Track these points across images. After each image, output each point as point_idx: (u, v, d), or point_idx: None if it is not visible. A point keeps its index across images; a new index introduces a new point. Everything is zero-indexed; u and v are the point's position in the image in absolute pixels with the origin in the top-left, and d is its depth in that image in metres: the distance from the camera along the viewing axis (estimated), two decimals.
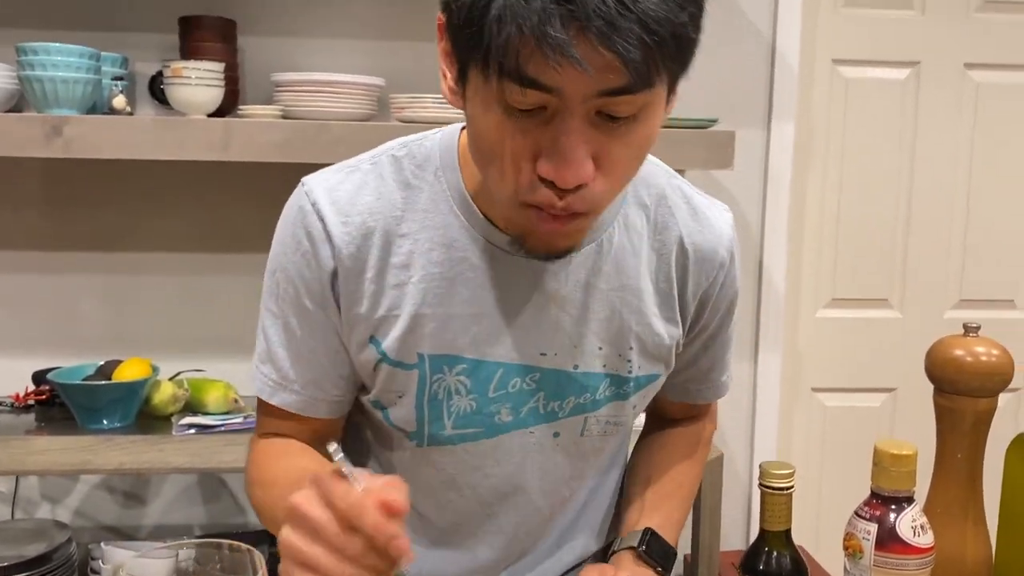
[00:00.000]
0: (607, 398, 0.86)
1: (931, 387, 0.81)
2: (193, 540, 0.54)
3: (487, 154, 0.69)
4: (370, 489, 0.60)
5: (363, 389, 0.86)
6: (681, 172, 2.04)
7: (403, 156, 0.82)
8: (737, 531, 2.19)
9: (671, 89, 0.68)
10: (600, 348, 0.84)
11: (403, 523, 0.60)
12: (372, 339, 0.81)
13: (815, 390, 2.26)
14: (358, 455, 0.94)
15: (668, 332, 0.87)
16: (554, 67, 0.59)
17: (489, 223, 0.80)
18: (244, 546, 0.54)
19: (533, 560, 0.93)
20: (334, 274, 0.80)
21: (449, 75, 0.71)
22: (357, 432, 0.93)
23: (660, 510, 0.90)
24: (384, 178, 0.81)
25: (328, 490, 0.60)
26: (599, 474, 0.94)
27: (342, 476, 0.62)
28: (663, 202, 0.85)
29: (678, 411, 1.01)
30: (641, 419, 1.02)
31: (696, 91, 2.00)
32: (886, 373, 2.25)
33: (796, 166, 2.10)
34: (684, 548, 2.12)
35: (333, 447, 0.64)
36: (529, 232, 0.74)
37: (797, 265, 2.18)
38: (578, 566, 0.96)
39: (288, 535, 0.61)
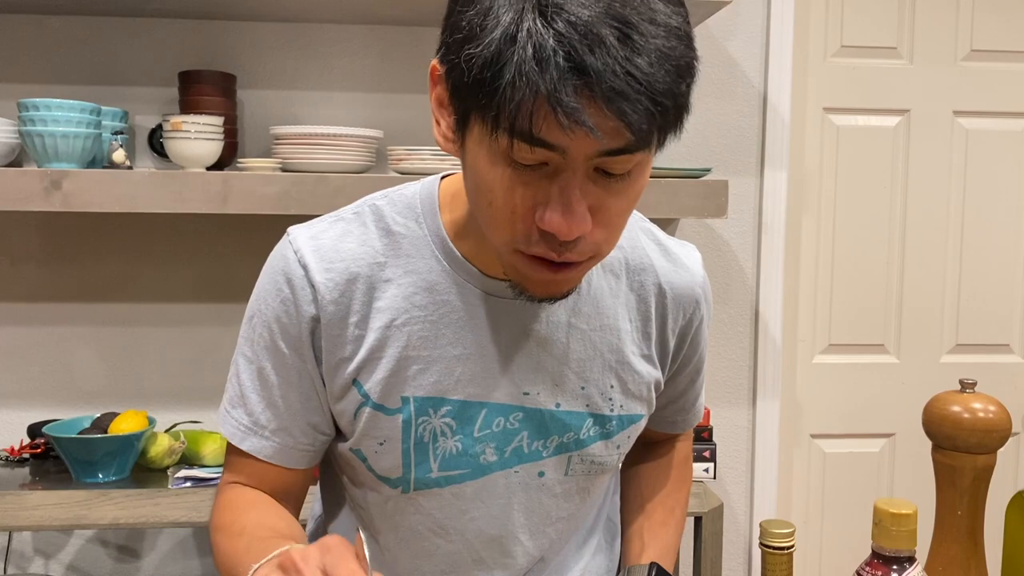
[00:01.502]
0: (591, 438, 0.87)
1: None
2: None
3: (487, 204, 0.70)
4: None
5: (340, 438, 0.87)
6: (675, 221, 2.06)
7: (384, 205, 0.84)
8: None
9: (661, 145, 0.71)
10: (582, 388, 0.86)
11: None
12: (355, 382, 0.82)
13: (814, 436, 2.26)
14: (335, 506, 0.94)
15: (647, 371, 0.89)
16: (563, 130, 0.62)
17: (470, 267, 0.82)
18: None
19: None
20: (315, 321, 0.81)
21: (443, 123, 0.73)
22: (333, 483, 0.93)
23: (658, 539, 0.93)
24: (367, 226, 0.83)
25: (335, 562, 0.61)
26: (585, 518, 0.94)
27: (358, 556, 0.62)
28: (636, 244, 0.89)
29: (658, 436, 1.04)
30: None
31: (690, 141, 2.04)
32: (884, 418, 2.25)
33: (790, 213, 2.12)
34: None
35: (362, 535, 0.64)
36: (528, 280, 0.75)
37: (793, 312, 2.19)
38: None
39: None
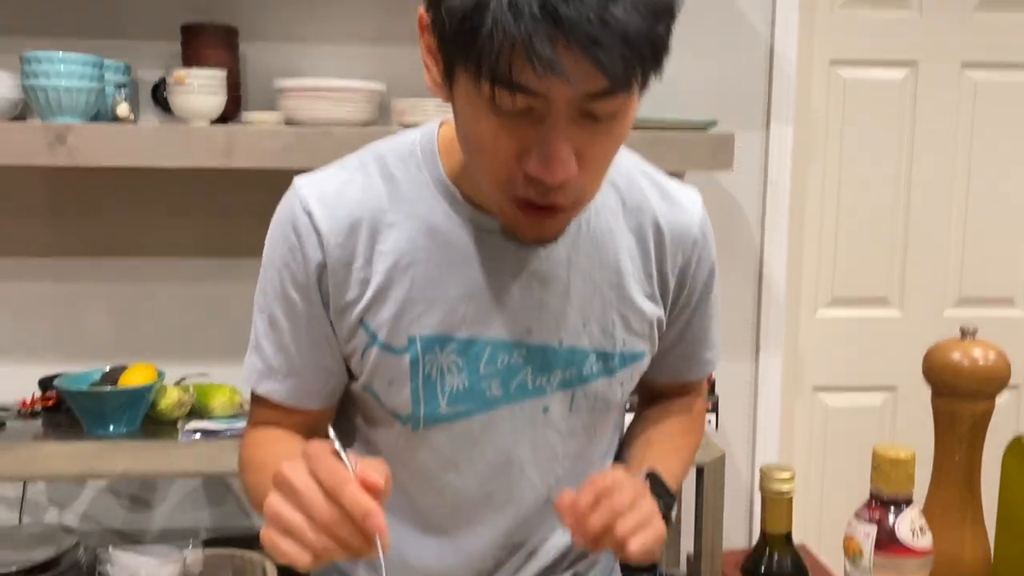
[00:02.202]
0: (594, 374, 0.88)
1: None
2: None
3: (476, 150, 0.73)
4: (357, 469, 0.64)
5: (353, 378, 0.90)
6: (682, 174, 2.06)
7: (386, 152, 0.87)
8: (739, 531, 2.21)
9: (644, 87, 0.72)
10: (584, 324, 0.88)
11: (385, 507, 0.64)
12: (362, 323, 0.85)
13: (816, 389, 2.27)
14: (348, 442, 0.96)
15: (650, 309, 0.90)
16: (541, 75, 0.64)
17: (470, 208, 0.84)
18: (256, 556, 0.55)
19: (529, 551, 0.94)
20: (322, 266, 0.84)
21: (433, 69, 0.76)
22: (348, 422, 0.96)
23: (662, 464, 0.91)
24: (369, 174, 0.86)
25: (316, 462, 0.64)
26: (592, 460, 0.95)
27: (335, 453, 0.66)
28: (633, 185, 0.90)
29: (668, 391, 1.03)
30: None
31: (695, 93, 2.03)
32: (887, 372, 2.27)
33: (795, 166, 2.12)
34: (687, 547, 2.14)
35: (332, 433, 0.68)
36: (519, 225, 0.78)
37: (797, 265, 2.20)
38: (577, 561, 0.97)
39: (272, 500, 0.65)
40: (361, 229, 0.84)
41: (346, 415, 0.95)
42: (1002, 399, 0.80)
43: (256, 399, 0.91)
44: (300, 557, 0.64)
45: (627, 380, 0.91)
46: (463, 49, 0.67)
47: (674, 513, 0.85)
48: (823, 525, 2.25)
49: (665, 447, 0.97)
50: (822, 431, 2.28)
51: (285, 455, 0.78)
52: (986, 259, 2.25)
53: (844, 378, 2.27)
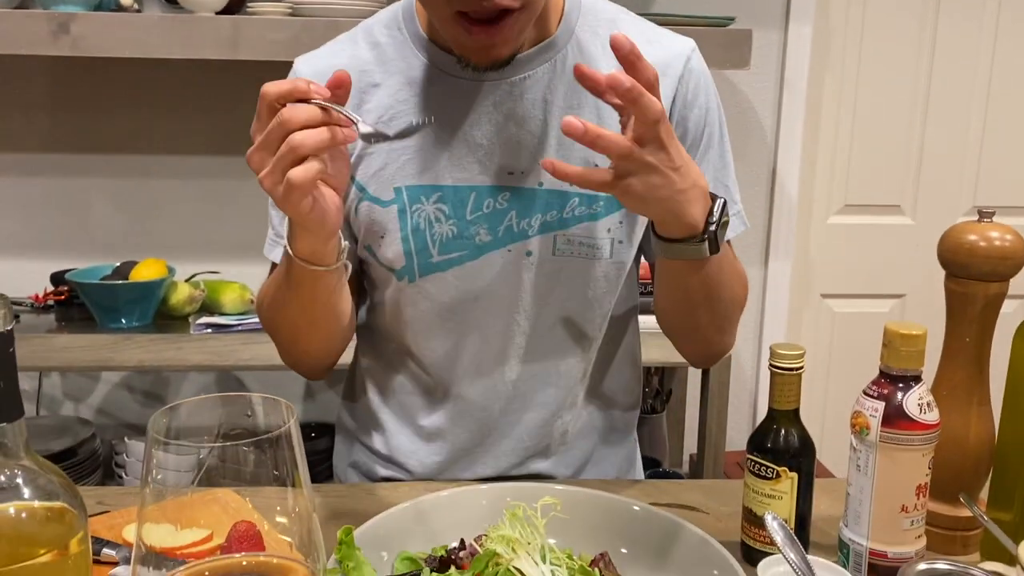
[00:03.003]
0: (576, 217, 0.88)
1: (941, 294, 0.81)
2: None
3: None
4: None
5: (355, 243, 0.93)
6: None
7: (373, 23, 0.92)
8: (742, 433, 2.24)
9: None
10: None
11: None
12: (353, 179, 0.89)
13: (824, 296, 2.28)
14: (358, 304, 1.00)
15: None
16: None
17: (447, 56, 0.87)
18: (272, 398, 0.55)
19: (524, 403, 0.95)
20: None
21: None
22: (360, 290, 0.99)
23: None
24: (357, 42, 0.91)
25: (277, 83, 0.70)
26: (582, 318, 0.94)
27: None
28: (614, 27, 0.90)
29: None
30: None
31: None
32: (896, 279, 2.26)
33: (812, 70, 2.07)
34: (690, 448, 2.18)
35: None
36: (467, 46, 0.80)
37: (811, 171, 2.17)
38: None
39: (252, 128, 0.71)
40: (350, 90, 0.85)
41: (359, 284, 0.98)
42: (1015, 276, 0.80)
43: (271, 269, 0.94)
44: (287, 181, 0.68)
45: (616, 228, 0.90)
46: None
47: (720, 231, 0.77)
48: (826, 431, 2.28)
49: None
50: (829, 337, 2.29)
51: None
52: (1001, 168, 2.22)
53: (853, 285, 2.27)
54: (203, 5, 1.68)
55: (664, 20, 1.71)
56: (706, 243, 0.76)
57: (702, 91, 0.90)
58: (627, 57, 0.68)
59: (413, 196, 0.88)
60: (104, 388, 2.10)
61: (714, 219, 0.76)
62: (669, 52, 0.89)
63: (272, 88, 0.70)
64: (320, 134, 0.68)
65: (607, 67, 0.87)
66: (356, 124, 0.71)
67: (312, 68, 0.89)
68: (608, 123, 0.87)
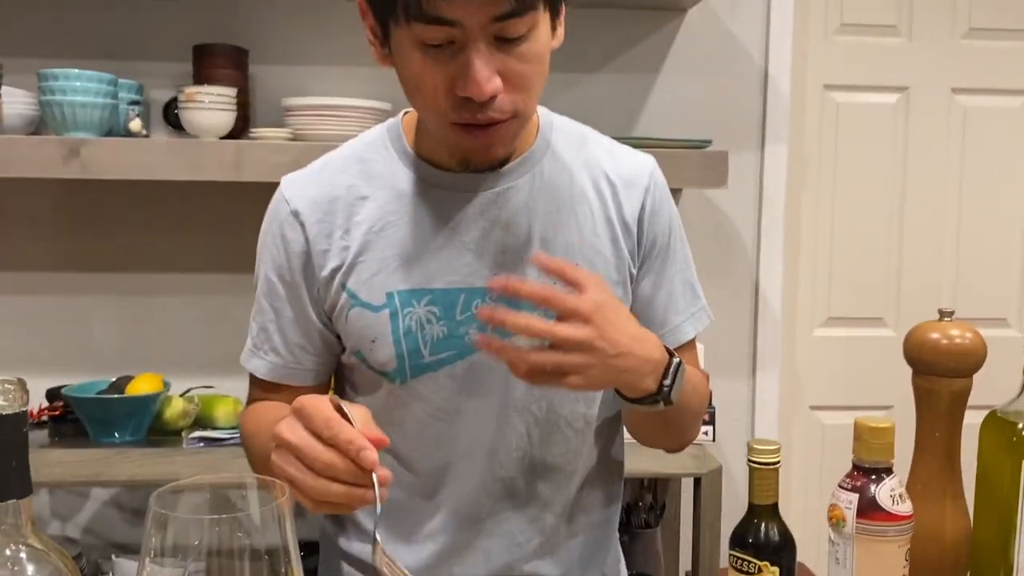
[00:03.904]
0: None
1: None
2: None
3: (416, 90, 0.83)
4: (358, 424, 0.70)
5: (342, 351, 0.97)
6: (678, 191, 2.11)
7: (357, 142, 0.98)
8: None
9: (554, 14, 0.84)
10: None
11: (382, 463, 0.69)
12: (344, 287, 0.93)
13: (813, 408, 2.30)
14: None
15: (614, 252, 0.96)
16: (448, 2, 0.75)
17: (434, 170, 0.93)
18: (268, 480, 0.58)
19: (514, 496, 0.97)
20: (305, 251, 0.93)
21: (376, 43, 0.87)
22: (341, 395, 1.01)
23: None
24: (344, 159, 0.96)
25: (309, 413, 0.69)
26: (569, 409, 0.97)
27: (335, 407, 0.71)
28: (584, 144, 0.98)
29: None
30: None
31: (691, 114, 2.09)
32: (883, 390, 2.29)
33: (790, 187, 2.16)
34: (685, 565, 2.15)
35: (331, 395, 0.74)
36: (468, 149, 0.87)
37: (793, 284, 2.23)
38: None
39: (273, 458, 0.71)
40: (338, 204, 0.93)
41: (337, 390, 1.02)
42: (977, 372, 0.83)
43: (250, 379, 0.99)
44: (303, 503, 0.68)
45: None
46: (384, 0, 0.79)
47: (673, 392, 0.83)
48: (821, 542, 2.26)
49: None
50: (820, 449, 2.30)
51: (278, 418, 0.83)
52: (979, 280, 2.28)
53: (841, 397, 2.29)
54: (208, 131, 1.77)
55: (645, 143, 1.81)
56: (660, 403, 0.84)
57: (665, 201, 1.00)
58: (553, 273, 0.78)
59: (405, 300, 0.92)
60: (92, 506, 2.08)
61: (667, 382, 0.83)
62: (634, 166, 0.99)
63: (331, 432, 0.69)
64: (344, 496, 0.69)
65: (580, 177, 0.96)
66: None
67: (298, 183, 0.95)
68: (584, 230, 0.95)
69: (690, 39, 2.09)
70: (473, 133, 0.83)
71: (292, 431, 0.70)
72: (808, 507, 2.28)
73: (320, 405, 0.70)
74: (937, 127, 2.24)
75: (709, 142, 1.89)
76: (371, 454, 0.67)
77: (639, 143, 1.82)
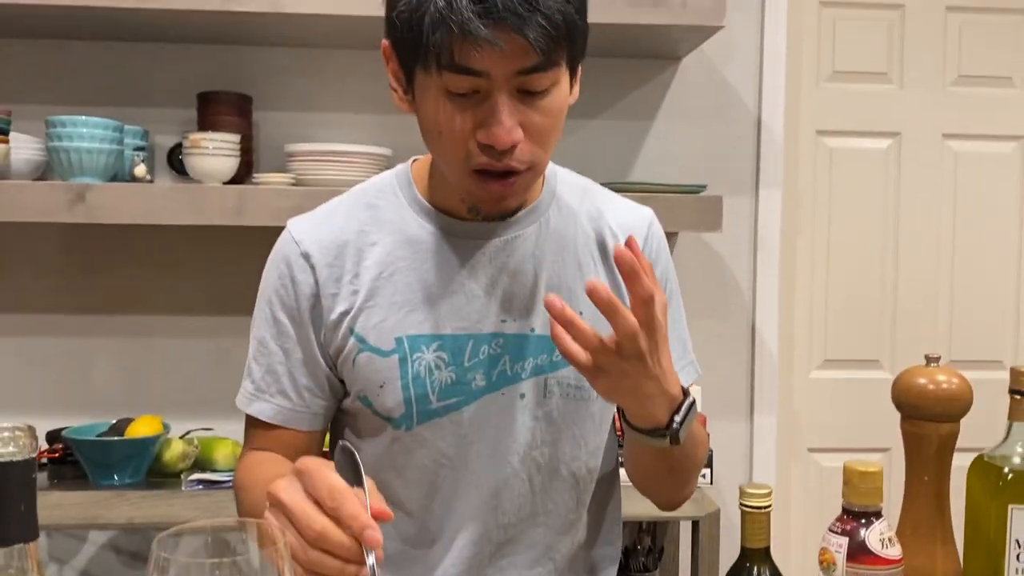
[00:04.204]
0: (563, 361, 0.93)
1: None
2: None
3: (437, 134, 0.85)
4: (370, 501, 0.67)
5: (344, 398, 0.97)
6: (674, 234, 2.13)
7: (367, 187, 1.00)
8: None
9: (572, 73, 0.87)
10: None
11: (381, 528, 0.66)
12: (352, 331, 0.93)
13: (811, 450, 2.30)
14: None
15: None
16: (479, 54, 0.77)
17: (443, 216, 0.95)
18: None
19: (513, 542, 0.97)
20: (314, 292, 0.94)
21: (399, 89, 0.89)
22: (340, 437, 1.02)
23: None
24: (353, 204, 0.98)
25: (311, 477, 0.67)
26: (570, 458, 0.98)
27: (348, 462, 0.69)
28: (587, 196, 1.01)
29: None
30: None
31: (687, 159, 2.12)
32: (880, 433, 2.29)
33: (784, 231, 2.19)
34: None
35: (347, 444, 0.72)
36: (481, 198, 0.89)
37: (789, 327, 2.25)
38: None
39: (267, 516, 0.69)
40: (348, 249, 0.94)
41: (336, 435, 1.02)
42: (964, 417, 0.85)
43: (249, 423, 0.98)
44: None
45: None
46: (414, 48, 0.81)
47: (683, 429, 0.84)
48: None
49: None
50: (818, 492, 2.30)
51: (275, 475, 0.83)
52: (974, 323, 2.30)
53: (838, 439, 2.30)
54: (212, 176, 1.80)
55: (641, 188, 1.85)
56: (667, 438, 0.84)
57: (663, 253, 1.03)
58: (627, 273, 0.77)
59: (414, 345, 0.93)
60: (90, 549, 2.08)
61: (679, 418, 0.84)
62: (634, 217, 1.02)
63: (343, 511, 0.65)
64: (337, 572, 0.66)
65: (584, 227, 0.99)
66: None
67: (308, 226, 0.96)
68: (590, 273, 0.97)
69: (685, 87, 2.13)
70: (488, 183, 0.86)
71: (289, 493, 0.67)
72: (807, 549, 2.27)
73: (324, 471, 0.67)
74: (929, 171, 2.27)
75: (704, 187, 1.92)
76: (375, 535, 0.64)
77: (635, 188, 1.86)
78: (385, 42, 0.88)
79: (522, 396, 0.95)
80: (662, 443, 0.84)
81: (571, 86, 0.88)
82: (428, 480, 0.95)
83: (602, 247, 0.99)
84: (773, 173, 2.16)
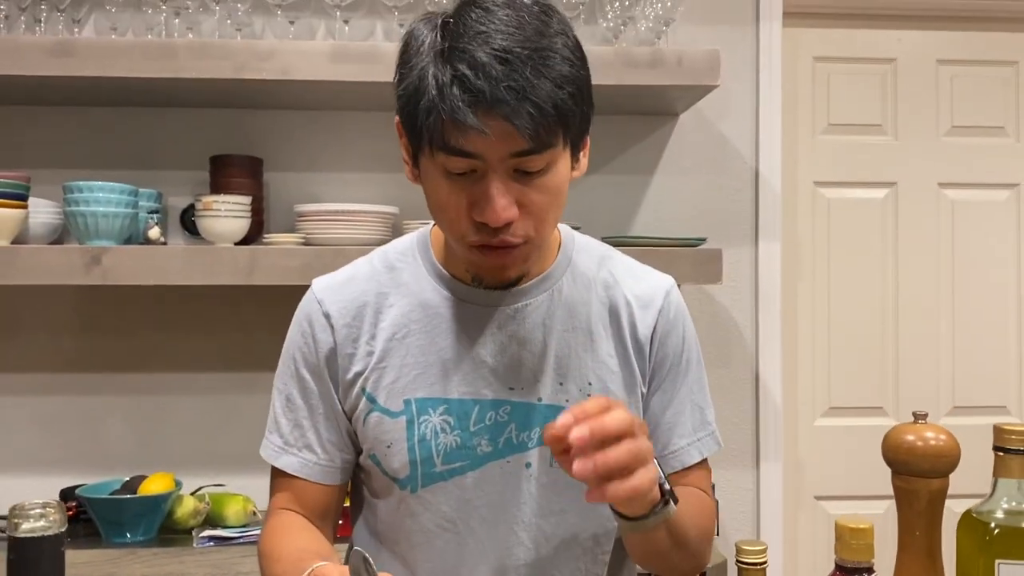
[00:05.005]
0: None
1: None
2: None
3: (439, 211, 0.89)
4: None
5: (359, 452, 1.00)
6: None
7: (387, 249, 1.05)
8: None
9: (575, 148, 0.89)
10: (561, 383, 0.98)
11: None
12: (365, 391, 0.97)
13: (818, 498, 2.31)
14: (356, 509, 1.07)
15: (624, 372, 1.00)
16: (470, 139, 0.81)
17: (458, 284, 0.98)
18: None
19: None
20: (332, 349, 0.98)
21: (409, 162, 0.93)
22: (358, 494, 1.06)
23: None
24: (374, 266, 1.02)
25: None
26: (579, 523, 0.99)
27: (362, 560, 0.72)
28: (604, 264, 1.03)
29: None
30: None
31: (686, 212, 2.17)
32: (887, 480, 2.30)
33: (785, 281, 2.23)
34: None
35: (365, 554, 0.75)
36: (482, 268, 0.93)
37: (793, 375, 2.27)
38: None
39: None
40: (367, 310, 0.98)
41: (357, 489, 1.05)
42: (953, 472, 0.87)
43: (275, 478, 1.01)
44: None
45: None
46: (412, 129, 0.85)
47: (671, 507, 0.86)
48: None
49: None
50: (826, 539, 2.30)
51: (296, 551, 0.86)
52: (975, 368, 2.32)
53: (845, 487, 2.30)
54: (223, 237, 1.85)
55: (641, 242, 1.89)
56: (669, 504, 0.86)
57: (679, 321, 1.03)
58: (558, 452, 0.79)
59: (422, 408, 0.96)
60: None
61: (658, 508, 0.85)
62: (651, 287, 1.03)
63: None
64: None
65: (598, 296, 1.00)
66: None
67: (330, 287, 0.99)
68: (600, 350, 0.98)
69: (683, 141, 2.19)
70: (487, 255, 0.89)
71: None
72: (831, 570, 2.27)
73: None
74: (925, 220, 2.31)
75: (704, 240, 1.96)
76: None
77: (636, 243, 1.90)
78: (397, 119, 0.92)
79: (528, 465, 0.96)
80: (668, 512, 0.85)
81: (576, 159, 0.91)
82: (432, 544, 0.97)
83: (614, 318, 1.00)
84: (772, 224, 2.20)
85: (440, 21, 0.85)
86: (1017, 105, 2.33)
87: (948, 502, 0.89)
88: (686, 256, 1.89)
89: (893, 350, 2.31)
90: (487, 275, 0.94)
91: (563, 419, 0.77)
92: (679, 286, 2.07)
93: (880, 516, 2.30)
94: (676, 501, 0.88)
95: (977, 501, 0.87)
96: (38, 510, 0.49)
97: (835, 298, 2.30)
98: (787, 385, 2.25)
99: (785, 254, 2.23)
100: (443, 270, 0.99)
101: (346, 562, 0.86)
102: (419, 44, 0.85)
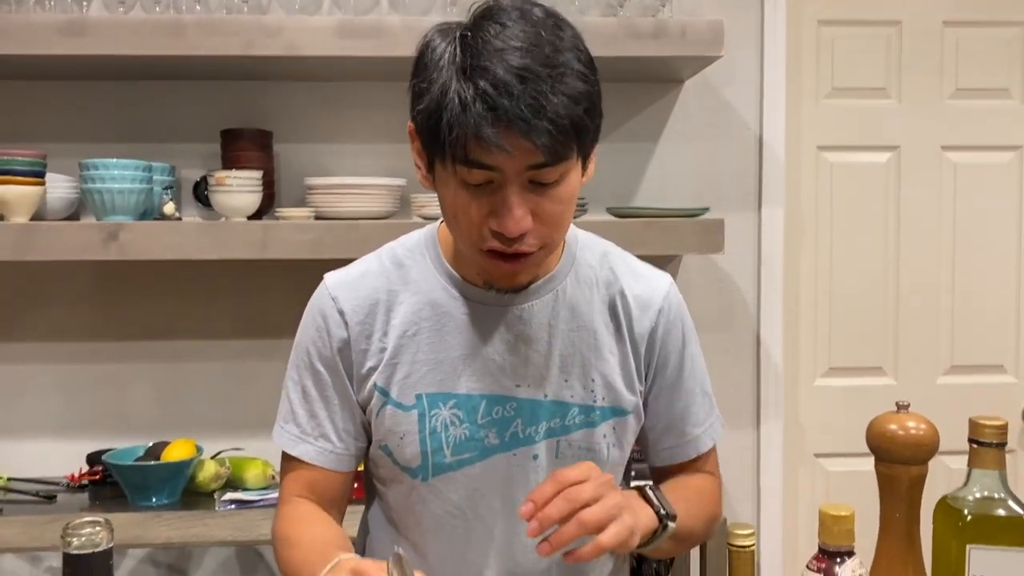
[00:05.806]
0: (576, 425, 1.03)
1: None
2: None
3: (454, 218, 0.93)
4: None
5: (370, 443, 1.05)
6: (678, 257, 2.20)
7: (396, 246, 1.08)
8: None
9: (585, 158, 0.93)
10: (566, 380, 1.03)
11: None
12: (378, 386, 1.02)
13: (817, 456, 2.38)
14: (369, 494, 1.13)
15: (626, 370, 1.05)
16: (490, 153, 0.84)
17: (465, 283, 1.02)
18: None
19: None
20: (345, 342, 1.02)
21: (422, 167, 0.96)
22: (370, 484, 1.12)
23: (673, 494, 1.02)
24: (383, 263, 1.05)
25: None
26: None
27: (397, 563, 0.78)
28: (605, 262, 1.08)
29: (677, 472, 1.14)
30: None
31: (690, 180, 2.20)
32: None
33: (787, 246, 2.26)
34: None
35: (400, 550, 0.81)
36: (494, 274, 0.97)
37: (794, 337, 2.32)
38: None
39: None
40: (379, 308, 1.02)
41: (369, 477, 1.11)
42: (931, 459, 0.93)
43: (289, 466, 1.06)
44: None
45: (610, 434, 1.04)
46: (432, 142, 0.88)
47: (670, 527, 0.95)
48: None
49: (671, 489, 1.05)
50: (825, 495, 2.37)
51: (313, 539, 0.92)
52: (975, 328, 2.36)
53: (844, 444, 2.37)
54: (236, 211, 1.89)
55: (644, 213, 1.93)
56: (668, 527, 0.94)
57: (679, 320, 1.09)
58: (533, 515, 0.86)
59: (432, 402, 1.01)
60: (129, 563, 2.19)
61: (655, 505, 0.94)
62: (650, 287, 1.08)
63: None
64: None
65: (599, 296, 1.05)
66: None
67: (343, 284, 1.03)
68: (602, 348, 1.03)
69: (687, 109, 2.20)
70: (498, 262, 0.93)
71: None
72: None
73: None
74: (928, 183, 2.33)
75: (706, 210, 1.99)
76: None
77: (639, 213, 1.94)
78: (411, 125, 0.94)
79: (535, 457, 1.02)
80: (658, 543, 0.94)
81: (585, 166, 0.94)
82: (442, 530, 1.03)
83: (615, 316, 1.05)
84: (775, 189, 2.23)
85: (458, 35, 0.88)
86: (1023, 66, 2.33)
87: (938, 460, 0.94)
88: (689, 227, 1.93)
89: (893, 312, 2.35)
90: (499, 280, 0.98)
91: (537, 493, 0.85)
92: (681, 256, 2.14)
93: (872, 473, 2.37)
94: (674, 518, 0.94)
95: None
96: (88, 529, 0.54)
97: (837, 260, 2.33)
98: (788, 346, 2.30)
99: (788, 218, 2.26)
100: (452, 270, 1.03)
101: (357, 548, 0.92)
102: (437, 57, 0.87)
